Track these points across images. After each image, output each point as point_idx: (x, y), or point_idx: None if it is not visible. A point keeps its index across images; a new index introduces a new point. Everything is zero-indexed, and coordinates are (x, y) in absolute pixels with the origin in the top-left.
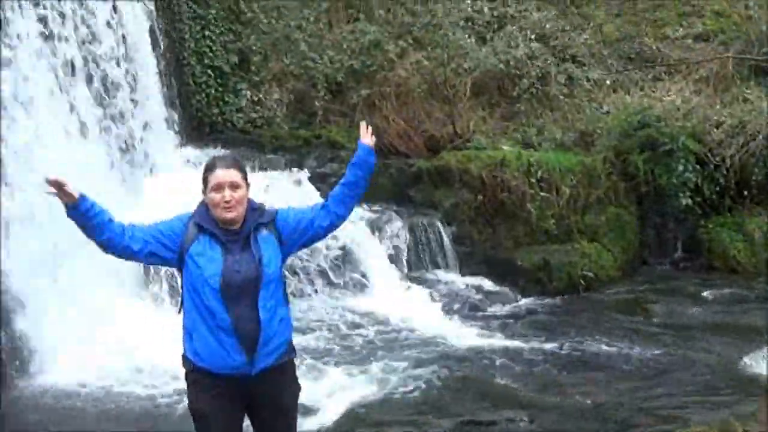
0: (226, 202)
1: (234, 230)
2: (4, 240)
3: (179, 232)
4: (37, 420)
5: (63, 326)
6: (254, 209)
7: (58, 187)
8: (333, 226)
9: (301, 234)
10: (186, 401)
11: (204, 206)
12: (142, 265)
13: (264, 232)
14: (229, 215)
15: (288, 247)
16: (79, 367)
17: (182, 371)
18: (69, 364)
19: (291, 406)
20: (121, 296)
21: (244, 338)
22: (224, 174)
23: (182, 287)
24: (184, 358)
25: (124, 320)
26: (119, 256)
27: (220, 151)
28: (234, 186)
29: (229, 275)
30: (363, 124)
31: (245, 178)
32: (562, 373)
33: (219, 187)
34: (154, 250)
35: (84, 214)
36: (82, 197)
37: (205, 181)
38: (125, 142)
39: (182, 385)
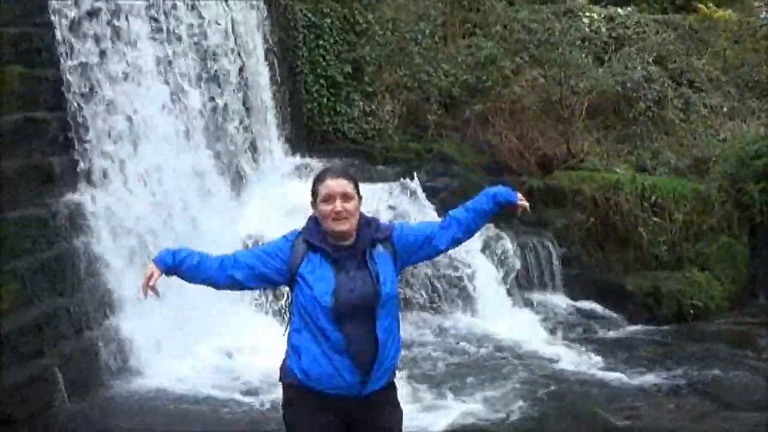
0: (337, 212)
1: (347, 246)
2: (109, 242)
3: (287, 252)
4: (131, 421)
5: (163, 330)
6: (368, 223)
7: (149, 284)
8: (448, 249)
9: (416, 251)
10: (281, 412)
11: (313, 222)
12: None
13: (380, 248)
14: (341, 227)
15: (400, 264)
16: (178, 370)
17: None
18: (168, 367)
19: (396, 430)
20: (222, 302)
21: (359, 359)
22: (335, 184)
23: (292, 306)
24: (286, 371)
25: (225, 326)
26: (228, 289)
27: (330, 161)
28: (346, 196)
29: (342, 294)
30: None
31: (357, 189)
32: (669, 403)
33: (330, 198)
34: (261, 273)
35: (175, 271)
36: (163, 263)
37: (315, 192)
38: (235, 148)
39: (281, 394)
